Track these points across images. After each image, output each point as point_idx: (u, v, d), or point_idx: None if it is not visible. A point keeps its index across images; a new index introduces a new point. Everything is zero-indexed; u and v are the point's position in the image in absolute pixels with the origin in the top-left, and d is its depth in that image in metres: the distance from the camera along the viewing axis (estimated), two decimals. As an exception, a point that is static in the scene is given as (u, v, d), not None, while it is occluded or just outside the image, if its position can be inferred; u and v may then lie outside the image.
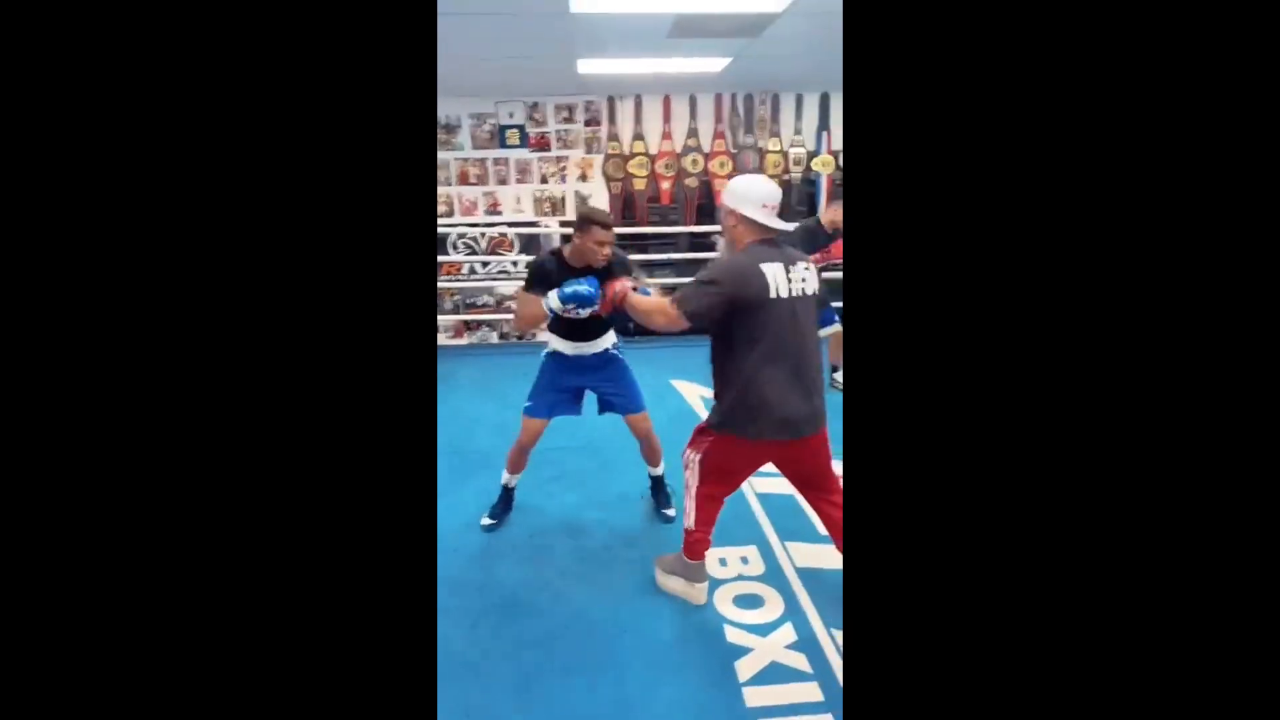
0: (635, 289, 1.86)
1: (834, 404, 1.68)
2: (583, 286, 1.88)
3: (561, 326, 2.16)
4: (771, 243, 1.70)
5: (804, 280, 1.69)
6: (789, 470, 1.84)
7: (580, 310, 1.95)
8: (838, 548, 1.88)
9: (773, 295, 1.62)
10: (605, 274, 1.97)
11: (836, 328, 3.75)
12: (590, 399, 2.38)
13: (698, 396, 3.68)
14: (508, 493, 2.44)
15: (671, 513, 2.39)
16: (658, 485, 2.47)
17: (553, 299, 1.92)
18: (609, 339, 2.27)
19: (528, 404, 2.28)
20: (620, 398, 2.30)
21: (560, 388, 2.27)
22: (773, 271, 1.63)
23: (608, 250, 2.00)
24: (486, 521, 2.40)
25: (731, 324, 1.65)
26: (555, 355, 2.28)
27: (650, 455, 2.41)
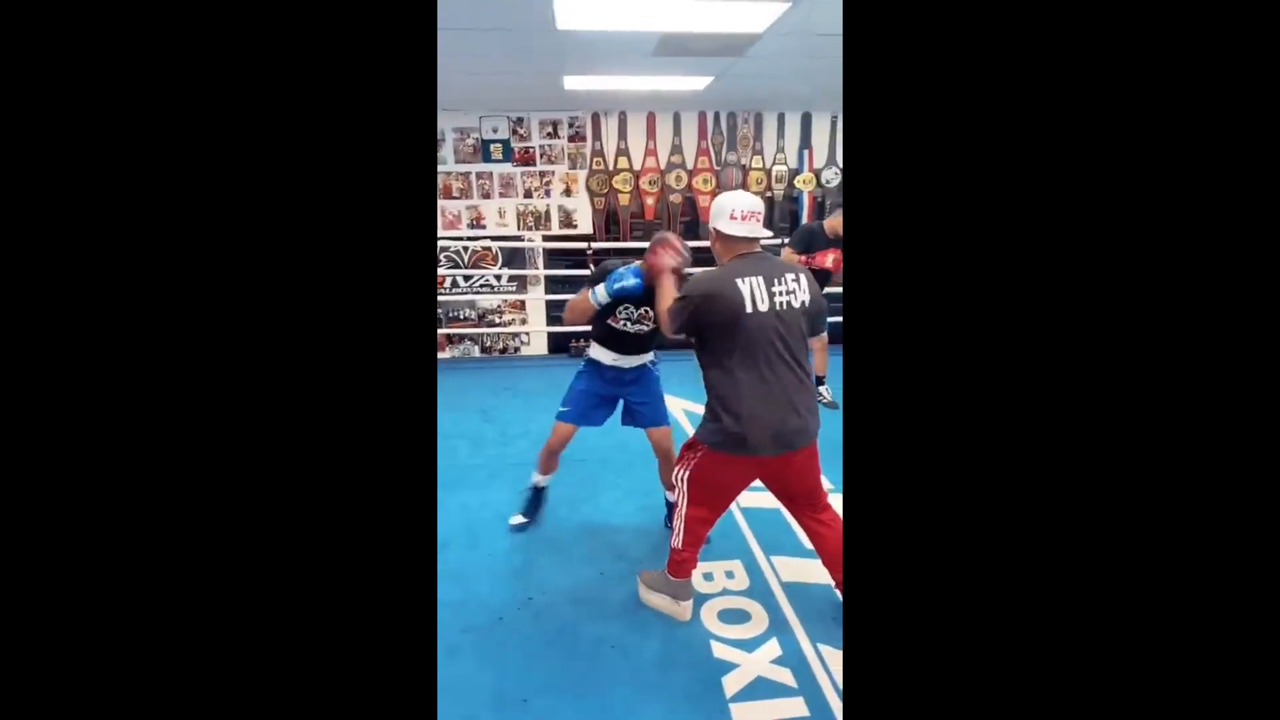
0: (678, 272, 1.85)
1: (826, 418, 1.69)
2: (629, 280, 1.91)
3: (610, 338, 2.19)
4: (754, 255, 1.69)
5: (790, 293, 1.66)
6: (776, 487, 1.82)
7: (630, 324, 2.09)
8: (825, 566, 1.86)
9: (748, 309, 1.61)
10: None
11: (822, 337, 3.78)
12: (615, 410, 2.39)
13: (681, 410, 3.67)
14: (538, 492, 2.46)
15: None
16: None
17: (600, 290, 1.97)
18: (649, 355, 2.28)
19: (562, 409, 2.31)
20: (647, 408, 2.28)
21: (593, 397, 2.29)
22: (750, 285, 1.62)
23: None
24: (518, 520, 2.43)
25: (709, 338, 1.65)
26: (592, 364, 2.29)
27: (669, 478, 2.36)
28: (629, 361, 2.23)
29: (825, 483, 1.85)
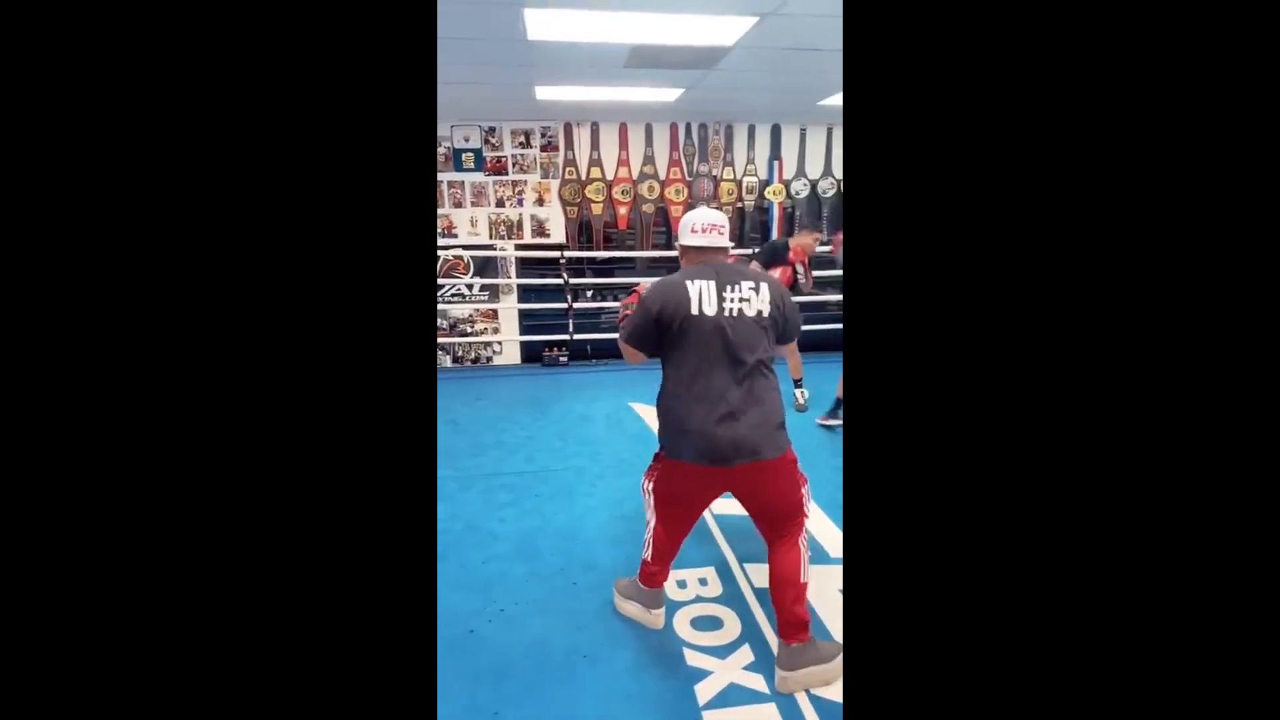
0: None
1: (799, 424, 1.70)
2: None
3: None
4: (713, 262, 1.66)
5: (744, 300, 1.59)
6: (744, 502, 1.73)
7: None
8: (787, 590, 1.67)
9: (694, 311, 1.58)
10: None
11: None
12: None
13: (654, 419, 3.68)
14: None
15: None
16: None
17: None
18: None
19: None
20: None
21: None
22: (699, 288, 1.59)
23: None
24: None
25: (663, 342, 1.64)
26: None
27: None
28: None
29: (813, 511, 1.78)
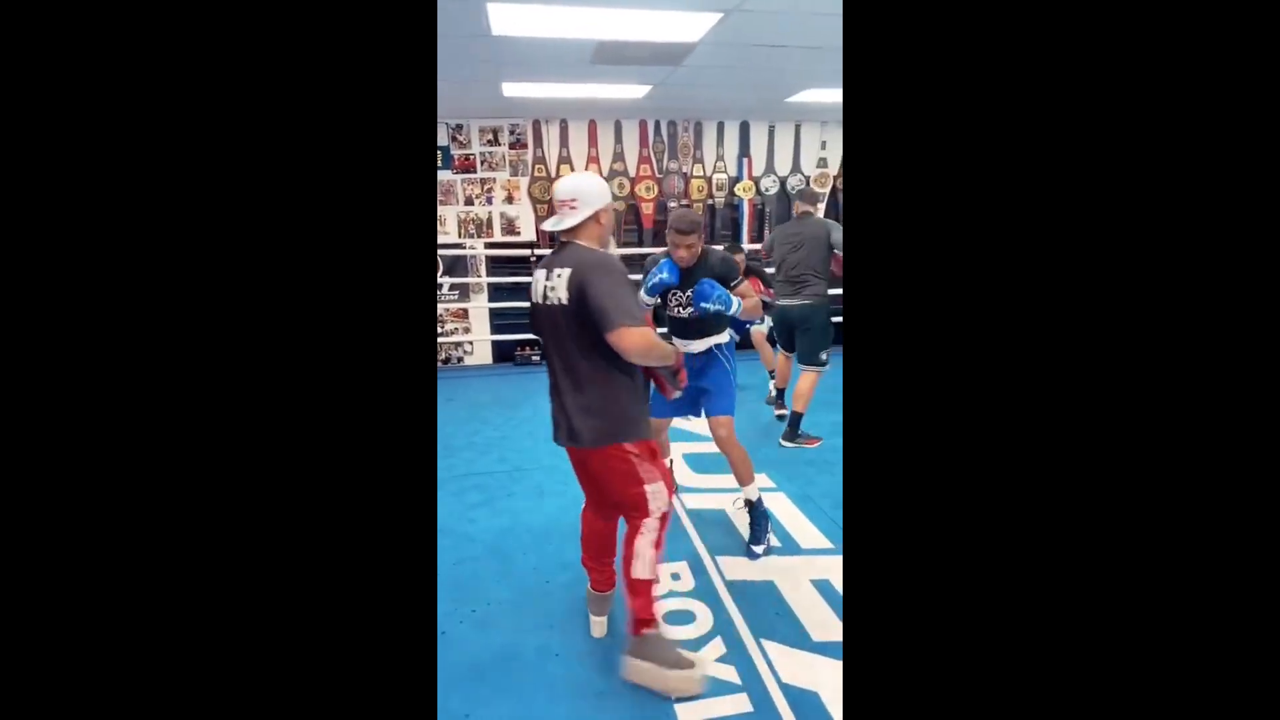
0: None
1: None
2: (660, 275, 2.10)
3: (673, 325, 2.35)
4: (561, 246, 1.62)
5: (552, 288, 1.56)
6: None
7: (680, 309, 2.25)
8: (624, 578, 1.68)
9: (535, 300, 1.63)
10: (700, 271, 2.15)
11: (761, 327, 3.85)
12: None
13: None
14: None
15: (759, 549, 2.26)
16: (752, 511, 2.33)
17: (642, 292, 2.14)
18: (713, 340, 2.32)
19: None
20: (707, 395, 2.32)
21: None
22: (539, 277, 1.61)
23: (683, 251, 2.13)
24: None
25: None
26: None
27: (736, 471, 2.32)
28: (694, 346, 2.31)
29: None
